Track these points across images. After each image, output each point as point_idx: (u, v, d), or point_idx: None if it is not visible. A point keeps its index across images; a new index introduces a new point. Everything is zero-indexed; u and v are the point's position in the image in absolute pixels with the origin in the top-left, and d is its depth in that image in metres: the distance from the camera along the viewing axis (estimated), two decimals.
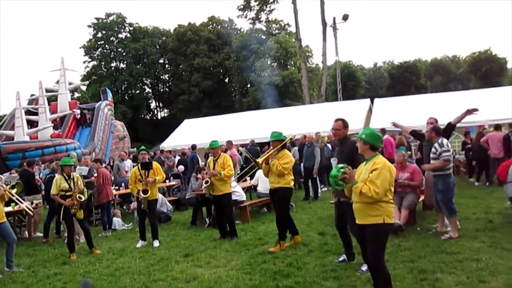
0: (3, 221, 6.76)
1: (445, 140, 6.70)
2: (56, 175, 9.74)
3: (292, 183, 6.92)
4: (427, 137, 6.95)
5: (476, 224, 7.23)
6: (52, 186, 7.62)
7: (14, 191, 7.05)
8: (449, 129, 7.47)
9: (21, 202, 7.45)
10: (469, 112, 7.42)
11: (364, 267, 5.26)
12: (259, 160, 6.84)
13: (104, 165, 11.24)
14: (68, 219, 7.51)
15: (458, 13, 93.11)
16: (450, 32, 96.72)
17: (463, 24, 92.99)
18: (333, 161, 4.51)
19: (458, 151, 15.18)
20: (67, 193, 7.47)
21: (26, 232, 9.79)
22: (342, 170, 4.09)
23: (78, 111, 23.68)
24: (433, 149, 6.69)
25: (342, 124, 5.61)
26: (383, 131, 11.97)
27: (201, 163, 12.67)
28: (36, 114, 20.97)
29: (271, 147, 7.03)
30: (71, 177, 7.59)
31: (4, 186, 6.90)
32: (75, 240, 8.02)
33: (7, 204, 8.35)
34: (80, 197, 7.48)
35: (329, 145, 13.72)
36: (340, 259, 5.78)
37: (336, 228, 5.93)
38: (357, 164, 4.36)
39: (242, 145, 17.04)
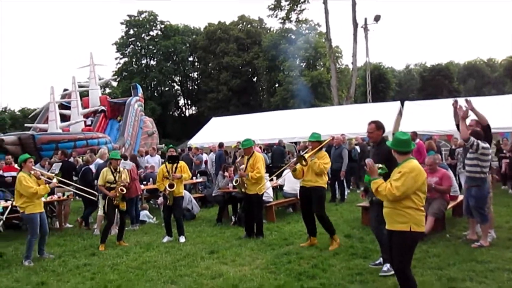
0: (41, 211, 7.10)
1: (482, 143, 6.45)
2: (90, 166, 10.04)
3: (325, 184, 7.03)
4: (463, 137, 6.49)
5: (509, 233, 7.03)
6: (99, 177, 8.04)
7: (54, 180, 7.41)
8: (480, 134, 7.19)
9: (79, 190, 7.79)
10: (464, 111, 6.91)
11: (385, 267, 5.29)
12: (306, 155, 6.85)
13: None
14: (111, 210, 7.87)
15: (494, 15, 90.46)
16: (486, 35, 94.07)
17: (500, 26, 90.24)
18: (369, 161, 4.49)
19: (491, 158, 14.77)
20: (111, 185, 7.86)
21: (57, 223, 10.07)
22: (380, 170, 4.14)
23: (104, 107, 24.08)
24: (470, 150, 6.43)
25: (374, 127, 5.58)
26: (415, 134, 11.69)
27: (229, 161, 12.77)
28: (69, 108, 21.54)
29: (309, 147, 7.04)
30: (117, 170, 8.00)
31: (51, 174, 7.21)
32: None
33: None
34: (122, 189, 7.80)
35: (357, 148, 13.58)
36: (377, 262, 5.67)
37: (371, 230, 5.86)
38: (392, 166, 4.35)
39: (269, 145, 17.07)
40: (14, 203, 8.25)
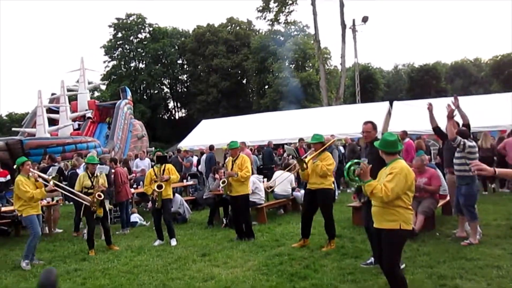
0: (39, 213, 7.17)
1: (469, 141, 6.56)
2: (77, 170, 9.94)
3: (333, 185, 7.01)
4: (450, 137, 6.58)
5: (497, 231, 7.11)
6: (76, 182, 7.83)
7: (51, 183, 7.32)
8: (466, 133, 7.28)
9: (73, 194, 7.67)
10: (455, 104, 6.95)
11: (369, 260, 5.43)
12: (307, 159, 6.85)
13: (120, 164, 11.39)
14: (89, 216, 7.66)
15: (480, 15, 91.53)
16: (472, 35, 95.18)
17: (485, 26, 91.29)
18: (364, 161, 4.52)
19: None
20: (89, 191, 7.65)
21: (47, 228, 9.97)
22: (356, 166, 4.17)
23: (91, 114, 23.90)
24: (458, 149, 6.52)
25: (371, 127, 5.67)
26: (405, 133, 11.76)
27: (220, 164, 12.75)
28: (57, 112, 21.35)
29: (312, 149, 7.02)
30: (95, 174, 7.77)
31: (48, 177, 7.16)
32: (97, 236, 8.18)
33: None
34: (99, 195, 7.59)
35: (341, 148, 13.67)
36: (368, 261, 5.71)
37: (365, 229, 5.89)
38: (383, 166, 4.38)
39: (260, 147, 17.09)
40: (2, 208, 8.19)
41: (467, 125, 7.07)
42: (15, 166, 7.31)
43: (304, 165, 6.78)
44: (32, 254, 7.13)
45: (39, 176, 7.24)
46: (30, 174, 7.02)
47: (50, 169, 7.87)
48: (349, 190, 13.60)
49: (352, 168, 4.22)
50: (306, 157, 7.14)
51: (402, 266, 5.26)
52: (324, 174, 6.72)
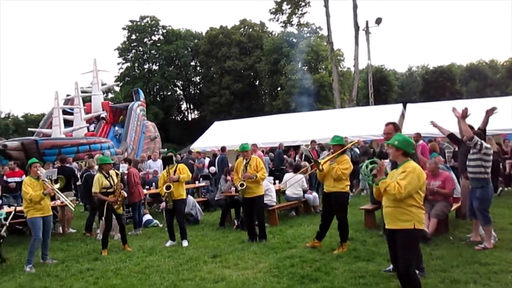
0: (48, 214, 7.12)
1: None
2: (91, 171, 10.04)
3: (348, 188, 6.91)
4: (467, 136, 6.41)
5: None
6: (93, 184, 7.84)
7: (57, 186, 7.27)
8: (481, 136, 7.21)
9: (65, 198, 7.68)
10: (489, 112, 7.03)
11: (390, 266, 5.26)
12: (322, 161, 6.81)
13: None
14: (108, 216, 7.74)
15: (496, 16, 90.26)
16: (487, 36, 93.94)
17: (501, 27, 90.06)
18: (388, 165, 4.49)
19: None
20: (108, 190, 7.72)
21: (60, 228, 10.09)
22: (373, 165, 4.21)
23: (105, 115, 24.14)
24: (473, 150, 6.41)
25: (393, 128, 5.61)
26: (419, 135, 11.65)
27: (230, 165, 12.77)
28: (71, 114, 21.63)
29: (332, 150, 6.98)
30: (110, 174, 7.85)
31: (48, 181, 7.12)
32: (110, 237, 8.25)
33: None
34: (123, 193, 7.72)
35: (356, 150, 13.62)
36: (388, 268, 5.51)
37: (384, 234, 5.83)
38: None
39: (272, 149, 17.08)
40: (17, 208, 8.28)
41: (483, 130, 6.97)
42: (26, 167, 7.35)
43: (320, 167, 6.72)
44: (46, 255, 7.24)
45: (43, 181, 7.18)
46: (41, 176, 7.03)
47: (46, 171, 7.86)
48: (363, 194, 13.51)
49: (372, 165, 4.28)
50: (323, 158, 7.07)
51: (423, 274, 5.14)
52: (339, 177, 6.63)
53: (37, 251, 7.13)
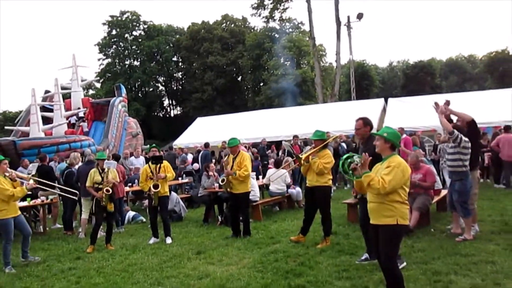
0: (17, 214, 6.89)
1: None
2: (73, 169, 9.89)
3: (330, 182, 6.96)
4: (448, 130, 6.45)
5: (492, 226, 7.14)
6: (87, 178, 7.96)
7: (31, 182, 7.17)
8: (461, 130, 7.29)
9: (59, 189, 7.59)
10: (446, 104, 6.88)
11: (363, 256, 5.49)
12: (302, 156, 6.82)
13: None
14: (98, 211, 7.72)
15: (474, 11, 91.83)
16: (466, 31, 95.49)
17: (480, 23, 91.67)
18: (357, 158, 4.51)
19: None
20: (99, 186, 7.76)
21: (41, 227, 9.92)
22: (353, 159, 4.15)
23: (84, 110, 23.74)
24: (452, 144, 6.51)
25: (362, 123, 5.64)
26: (402, 130, 11.80)
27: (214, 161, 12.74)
28: (51, 111, 21.20)
29: (313, 145, 7.02)
30: (105, 170, 7.91)
31: (27, 176, 6.99)
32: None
33: (23, 199, 8.50)
34: (108, 190, 7.68)
35: (343, 145, 13.73)
36: (363, 258, 5.70)
37: (360, 226, 5.88)
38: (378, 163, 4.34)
39: (254, 144, 17.07)
40: None
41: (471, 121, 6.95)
42: None
43: (302, 161, 6.75)
44: (26, 252, 7.08)
45: (17, 176, 7.05)
46: (7, 173, 6.82)
47: (30, 166, 7.63)
48: (346, 188, 13.62)
49: (348, 160, 4.19)
50: (306, 153, 7.10)
51: (403, 265, 5.26)
52: (321, 171, 6.68)
53: (16, 250, 6.99)
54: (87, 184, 7.97)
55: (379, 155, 4.43)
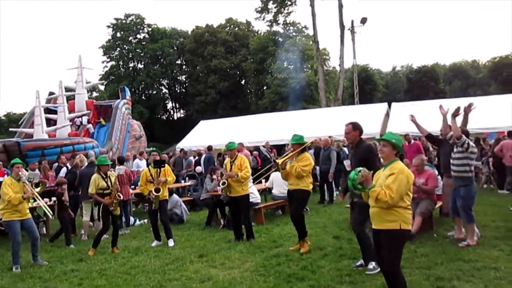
0: (25, 218, 6.90)
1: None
2: (78, 171, 9.90)
3: (311, 186, 6.91)
4: (456, 135, 6.46)
5: (495, 232, 7.11)
6: (90, 185, 7.73)
7: (37, 190, 7.06)
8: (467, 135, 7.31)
9: (44, 204, 7.49)
10: (467, 109, 7.07)
11: (371, 265, 5.37)
12: (279, 161, 6.83)
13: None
14: (105, 216, 7.62)
15: (478, 17, 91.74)
16: (470, 37, 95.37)
17: (483, 28, 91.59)
18: (346, 163, 4.55)
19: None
20: (105, 191, 7.61)
21: (44, 228, 9.94)
22: (359, 174, 4.07)
23: (87, 116, 23.79)
24: (459, 149, 6.50)
25: (351, 128, 5.64)
26: (409, 136, 11.82)
27: (216, 164, 12.74)
28: (55, 112, 21.25)
29: (292, 149, 7.01)
30: (108, 175, 7.75)
31: (28, 183, 6.95)
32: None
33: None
34: (119, 195, 7.65)
35: (345, 149, 13.70)
36: (358, 263, 5.70)
37: (353, 231, 5.88)
38: (370, 168, 4.27)
39: (256, 147, 17.07)
40: None
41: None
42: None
43: (279, 166, 6.74)
44: (36, 256, 7.10)
45: (25, 184, 6.97)
46: (22, 178, 6.84)
47: (28, 173, 7.56)
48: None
49: (356, 176, 4.10)
50: (284, 157, 7.06)
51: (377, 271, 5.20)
52: (299, 175, 6.66)
53: (24, 252, 7.00)
54: (91, 191, 7.70)
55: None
